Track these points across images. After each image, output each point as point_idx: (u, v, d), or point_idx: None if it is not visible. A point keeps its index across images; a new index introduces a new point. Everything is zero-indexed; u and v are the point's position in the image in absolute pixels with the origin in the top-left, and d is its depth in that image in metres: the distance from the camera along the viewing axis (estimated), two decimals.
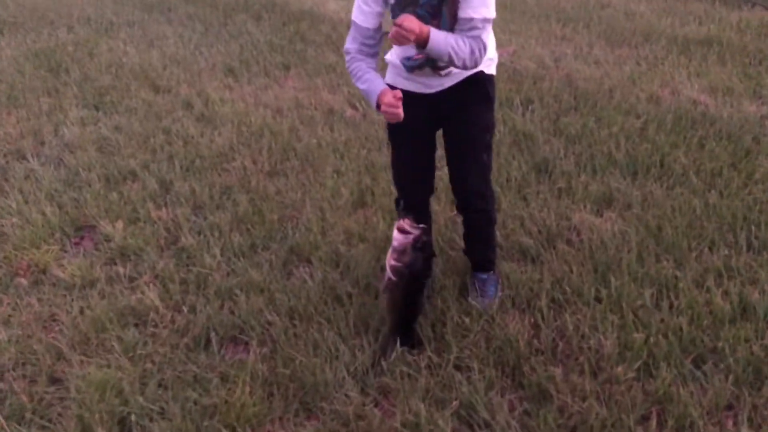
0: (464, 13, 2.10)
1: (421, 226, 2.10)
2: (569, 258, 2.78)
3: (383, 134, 4.06)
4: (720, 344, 2.27)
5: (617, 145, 3.70)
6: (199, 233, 3.17)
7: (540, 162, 3.59)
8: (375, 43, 2.25)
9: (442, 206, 3.18)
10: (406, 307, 2.28)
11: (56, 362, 2.43)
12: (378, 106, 2.15)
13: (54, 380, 2.37)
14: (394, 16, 2.16)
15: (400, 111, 2.09)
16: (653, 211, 3.08)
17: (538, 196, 3.28)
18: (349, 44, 2.25)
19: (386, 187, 3.39)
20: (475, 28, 2.10)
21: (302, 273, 2.83)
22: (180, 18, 7.19)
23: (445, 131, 2.47)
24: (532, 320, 2.49)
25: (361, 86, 2.21)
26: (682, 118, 3.98)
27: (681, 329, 2.34)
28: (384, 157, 3.76)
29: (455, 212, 3.15)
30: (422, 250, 2.09)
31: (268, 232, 3.12)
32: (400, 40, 2.02)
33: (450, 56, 2.09)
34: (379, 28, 2.22)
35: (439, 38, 2.06)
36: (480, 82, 2.35)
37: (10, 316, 2.70)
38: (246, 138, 4.12)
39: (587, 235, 2.95)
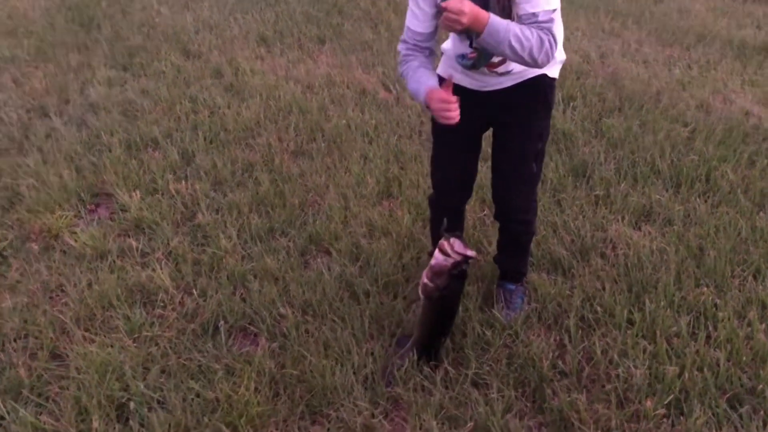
0: (522, 9, 1.85)
1: (468, 253, 1.90)
2: (602, 274, 2.61)
3: (416, 121, 3.91)
4: (760, 386, 2.10)
5: (662, 154, 3.50)
6: (217, 211, 3.06)
7: (578, 165, 3.41)
8: (429, 46, 2.05)
9: (471, 205, 3.02)
10: (432, 328, 2.13)
11: (59, 337, 2.34)
12: (427, 105, 1.94)
13: (55, 356, 2.29)
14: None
15: (454, 113, 1.86)
16: (695, 230, 2.90)
17: (573, 203, 3.10)
18: (401, 46, 2.07)
19: (414, 179, 3.24)
20: (539, 23, 1.84)
21: (319, 264, 2.70)
22: None
23: (495, 135, 2.26)
24: (558, 339, 2.33)
25: (410, 86, 2.01)
26: (733, 130, 3.75)
27: (718, 364, 2.18)
28: (415, 145, 3.61)
29: (485, 212, 3.02)
30: (459, 277, 1.91)
31: (288, 217, 3.00)
32: (450, 24, 1.79)
33: (512, 46, 1.79)
34: (434, 33, 2.02)
35: (500, 24, 1.79)
36: (541, 87, 2.13)
37: (18, 282, 2.63)
38: (273, 113, 3.98)
39: (623, 249, 2.77)
